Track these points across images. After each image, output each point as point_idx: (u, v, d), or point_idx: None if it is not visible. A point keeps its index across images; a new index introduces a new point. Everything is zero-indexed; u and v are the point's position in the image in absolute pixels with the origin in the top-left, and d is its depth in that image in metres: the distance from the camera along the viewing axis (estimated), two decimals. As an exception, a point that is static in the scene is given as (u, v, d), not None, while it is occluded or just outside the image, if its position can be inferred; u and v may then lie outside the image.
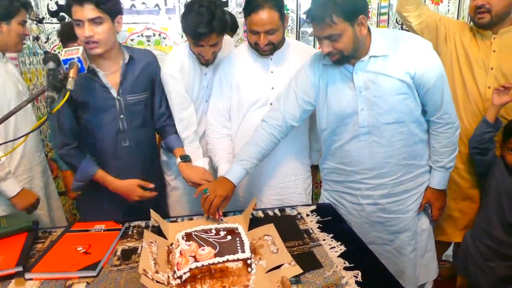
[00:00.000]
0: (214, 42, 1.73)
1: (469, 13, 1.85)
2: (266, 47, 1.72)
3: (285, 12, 2.38)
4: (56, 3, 2.77)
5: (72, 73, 1.22)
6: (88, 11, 1.54)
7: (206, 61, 1.82)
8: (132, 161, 1.84)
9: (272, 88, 1.81)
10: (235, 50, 1.92)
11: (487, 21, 1.81)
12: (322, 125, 1.71)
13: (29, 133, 1.16)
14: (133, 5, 3.01)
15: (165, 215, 1.64)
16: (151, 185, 1.76)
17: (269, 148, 1.72)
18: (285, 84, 1.78)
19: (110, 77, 1.72)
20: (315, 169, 2.09)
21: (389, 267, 1.33)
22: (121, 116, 1.76)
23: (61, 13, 2.78)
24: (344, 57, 1.50)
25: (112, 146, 1.79)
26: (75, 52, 1.27)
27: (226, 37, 2.11)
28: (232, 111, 1.89)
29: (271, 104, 1.81)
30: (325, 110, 1.66)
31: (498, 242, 1.85)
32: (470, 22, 2.50)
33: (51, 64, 1.23)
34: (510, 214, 1.81)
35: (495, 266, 1.87)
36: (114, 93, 1.73)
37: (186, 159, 1.84)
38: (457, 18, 2.56)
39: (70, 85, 1.19)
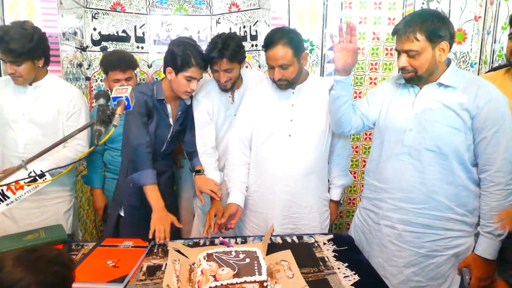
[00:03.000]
0: (226, 68, 1.96)
1: (507, 54, 1.83)
2: (281, 82, 1.83)
3: (310, 47, 2.52)
4: (99, 33, 3.00)
5: (119, 110, 1.33)
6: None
7: (224, 86, 2.04)
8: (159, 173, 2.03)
9: (291, 120, 1.90)
10: (261, 83, 2.05)
11: None
12: (374, 138, 1.79)
13: (76, 161, 1.28)
14: (168, 36, 3.22)
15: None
16: (180, 226, 1.89)
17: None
18: (304, 117, 1.88)
19: (173, 108, 2.06)
20: (336, 204, 2.11)
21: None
22: (169, 139, 2.08)
23: (102, 43, 3.01)
24: (417, 77, 1.56)
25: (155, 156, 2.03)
26: (124, 91, 1.38)
27: (258, 72, 2.27)
28: (252, 140, 1.99)
29: (289, 136, 1.89)
30: (380, 123, 1.73)
31: None
32: (493, 63, 2.57)
33: (101, 101, 1.35)
34: None
35: None
36: (171, 121, 2.06)
37: (199, 172, 2.09)
38: (480, 57, 2.61)
39: (116, 121, 1.29)
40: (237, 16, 3.11)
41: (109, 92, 1.51)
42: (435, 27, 1.48)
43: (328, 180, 2.06)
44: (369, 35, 2.59)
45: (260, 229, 1.97)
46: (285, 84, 1.84)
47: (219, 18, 3.19)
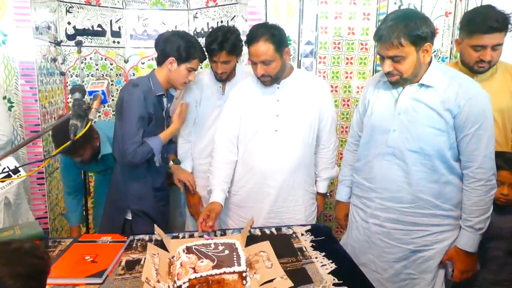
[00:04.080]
0: (225, 60, 2.06)
1: (468, 60, 1.85)
2: (264, 78, 1.84)
3: (287, 42, 2.54)
4: (74, 27, 2.95)
5: (95, 104, 1.31)
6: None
7: (220, 76, 2.14)
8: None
9: (277, 115, 1.91)
10: (246, 79, 2.06)
11: (486, 70, 1.85)
12: (362, 136, 1.80)
13: (51, 156, 1.26)
14: (145, 31, 3.19)
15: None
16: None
17: None
18: (290, 112, 1.89)
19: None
20: (323, 197, 2.13)
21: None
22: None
23: (77, 37, 2.95)
24: (403, 80, 1.55)
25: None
26: (100, 85, 1.37)
27: (248, 67, 2.33)
28: (239, 137, 1.99)
29: (276, 131, 1.91)
30: (367, 122, 1.75)
31: None
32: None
33: (77, 95, 1.33)
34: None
35: None
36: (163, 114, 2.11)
37: (177, 162, 2.25)
38: (450, 53, 2.70)
39: (92, 115, 1.28)
40: (214, 11, 3.11)
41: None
42: (418, 30, 1.46)
43: (315, 173, 2.08)
44: (345, 30, 2.64)
45: (245, 220, 1.96)
46: (269, 80, 1.85)
47: (196, 13, 3.18)
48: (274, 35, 1.78)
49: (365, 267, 1.74)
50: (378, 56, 1.65)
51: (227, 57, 2.05)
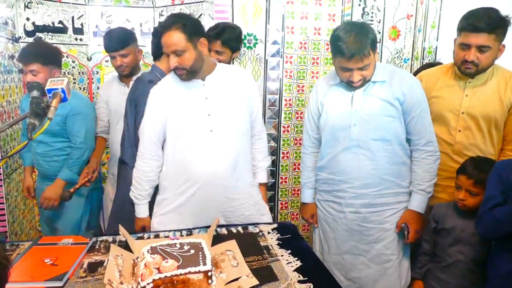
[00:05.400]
0: (217, 50, 2.31)
1: (455, 60, 1.89)
2: (179, 70, 1.75)
3: (254, 41, 2.55)
4: (33, 23, 2.84)
5: (54, 102, 1.26)
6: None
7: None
8: None
9: (209, 115, 1.80)
10: (165, 77, 1.91)
11: (473, 72, 1.85)
12: (323, 137, 1.93)
13: (8, 156, 1.22)
14: (109, 28, 3.11)
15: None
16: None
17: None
18: (222, 109, 1.81)
19: None
20: (265, 187, 2.09)
21: (362, 278, 1.70)
22: None
23: (37, 34, 2.85)
24: (366, 82, 1.76)
25: None
26: (60, 83, 1.31)
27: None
28: (168, 140, 1.85)
29: (211, 131, 1.79)
30: (325, 123, 1.88)
31: None
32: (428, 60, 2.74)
33: (35, 93, 1.28)
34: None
35: None
36: None
37: None
38: (412, 55, 2.78)
39: (51, 114, 1.23)
40: (180, 9, 3.08)
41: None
42: (374, 37, 1.70)
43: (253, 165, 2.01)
44: (311, 30, 2.67)
45: (187, 226, 1.83)
46: (185, 73, 1.75)
47: (162, 11, 3.14)
48: (186, 24, 1.70)
49: (349, 254, 1.90)
50: (341, 69, 1.73)
51: (220, 47, 2.25)
